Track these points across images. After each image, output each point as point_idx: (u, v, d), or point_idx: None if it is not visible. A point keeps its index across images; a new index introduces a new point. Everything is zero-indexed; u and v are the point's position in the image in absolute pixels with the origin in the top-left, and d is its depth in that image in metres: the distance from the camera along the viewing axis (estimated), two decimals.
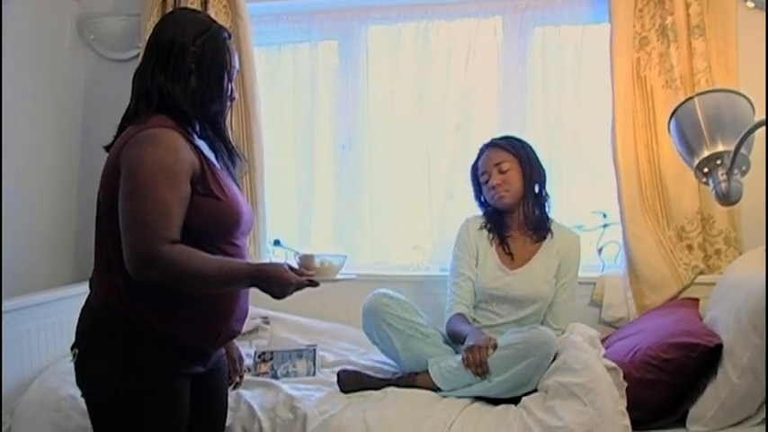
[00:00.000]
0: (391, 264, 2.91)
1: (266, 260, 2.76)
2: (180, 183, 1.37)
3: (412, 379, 2.16)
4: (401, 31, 2.91)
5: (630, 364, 1.97)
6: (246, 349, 2.34)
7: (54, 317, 2.36)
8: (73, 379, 1.48)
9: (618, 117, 2.50)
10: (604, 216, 2.70)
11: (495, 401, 2.04)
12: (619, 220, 2.54)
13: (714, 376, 1.87)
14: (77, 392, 1.51)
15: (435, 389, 2.11)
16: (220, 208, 1.45)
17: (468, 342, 2.09)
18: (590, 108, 2.74)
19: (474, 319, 2.33)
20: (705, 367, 1.89)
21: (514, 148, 2.34)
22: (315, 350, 2.39)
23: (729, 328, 1.88)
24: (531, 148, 2.37)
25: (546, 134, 2.79)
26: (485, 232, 2.39)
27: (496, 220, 2.39)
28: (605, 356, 2.05)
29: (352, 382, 2.15)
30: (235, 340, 1.70)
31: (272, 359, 2.35)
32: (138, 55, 2.87)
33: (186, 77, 1.47)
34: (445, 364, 2.13)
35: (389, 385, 2.15)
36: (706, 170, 1.82)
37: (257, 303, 2.47)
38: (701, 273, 2.48)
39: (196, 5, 2.74)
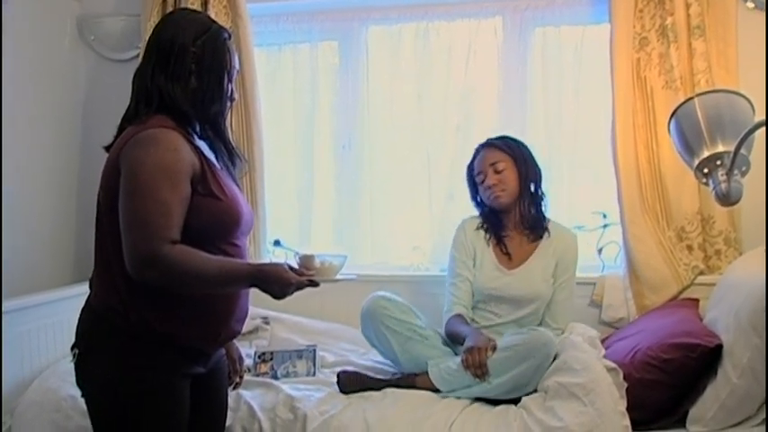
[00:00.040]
0: (391, 264, 2.92)
1: (266, 260, 2.76)
2: (180, 183, 1.37)
3: (411, 380, 2.16)
4: (401, 32, 2.92)
5: (630, 364, 1.97)
6: (246, 349, 2.34)
7: (54, 317, 2.36)
8: (73, 379, 1.48)
9: (618, 117, 2.50)
10: (604, 216, 2.70)
11: (495, 402, 2.04)
12: (619, 220, 2.55)
13: (714, 377, 1.87)
14: (77, 393, 1.51)
15: (435, 390, 2.11)
16: (220, 208, 1.45)
17: (468, 343, 2.09)
18: (590, 108, 2.74)
19: (473, 320, 2.33)
20: (705, 368, 1.89)
21: (510, 148, 2.35)
22: (315, 350, 2.39)
23: (729, 329, 1.88)
24: (526, 147, 2.37)
25: (546, 134, 2.79)
26: (482, 233, 2.39)
27: (493, 221, 2.39)
28: (605, 357, 2.05)
29: (351, 383, 2.15)
30: (235, 340, 1.70)
31: (272, 359, 2.35)
32: (138, 55, 2.87)
33: (186, 78, 1.47)
34: (445, 365, 2.13)
35: (389, 386, 2.15)
36: (706, 170, 1.82)
37: (257, 303, 2.48)
38: (701, 273, 2.48)
39: (196, 6, 2.75)
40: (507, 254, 2.35)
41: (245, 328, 1.95)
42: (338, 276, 1.62)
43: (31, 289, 2.52)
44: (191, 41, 1.47)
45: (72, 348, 1.47)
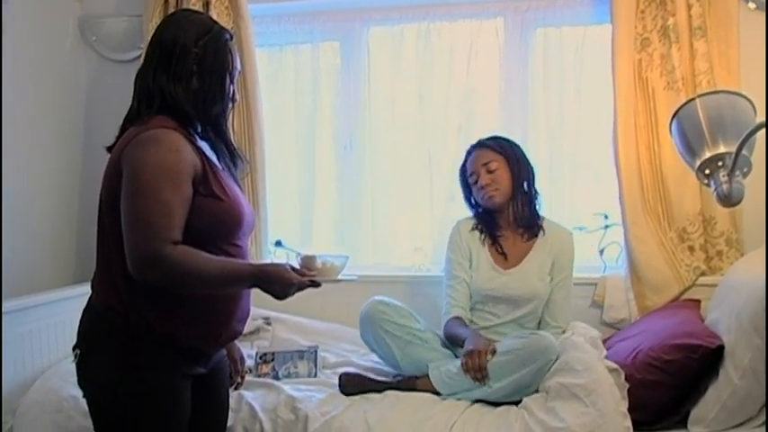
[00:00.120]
0: (392, 265, 2.92)
1: (268, 261, 2.76)
2: (182, 183, 1.38)
3: (412, 383, 2.16)
4: (403, 32, 2.92)
5: (632, 365, 1.97)
6: (248, 350, 2.33)
7: (55, 317, 2.37)
8: (74, 379, 1.48)
9: (619, 118, 2.50)
10: (606, 217, 2.70)
11: (496, 403, 2.04)
12: (620, 221, 2.54)
13: (715, 378, 1.87)
14: (79, 393, 1.51)
15: (436, 392, 2.11)
16: (222, 208, 1.45)
17: (468, 347, 2.09)
18: (591, 109, 2.74)
19: (471, 321, 2.32)
20: (706, 368, 1.89)
21: (501, 147, 2.35)
22: (316, 351, 2.39)
23: (731, 330, 1.88)
24: (517, 146, 2.38)
25: (547, 135, 2.79)
26: (476, 233, 2.40)
27: (487, 221, 2.39)
28: (607, 357, 2.04)
29: (353, 385, 2.15)
30: (236, 341, 1.70)
31: (273, 360, 2.35)
32: (139, 56, 2.87)
33: (188, 78, 1.47)
34: (445, 368, 2.12)
35: (390, 389, 2.15)
36: (707, 171, 1.82)
37: (259, 304, 2.47)
38: (703, 274, 2.48)
39: (198, 6, 2.75)
40: (503, 254, 2.35)
41: (246, 329, 1.94)
42: (340, 277, 1.62)
43: (32, 289, 2.52)
44: (192, 42, 1.47)
45: (73, 349, 1.48)
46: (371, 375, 2.22)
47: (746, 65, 2.45)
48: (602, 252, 2.70)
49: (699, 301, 2.38)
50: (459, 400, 2.06)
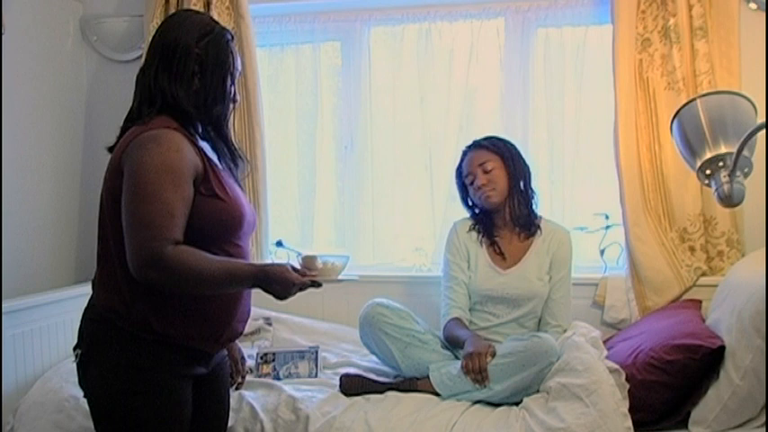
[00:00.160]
0: (393, 265, 2.91)
1: (269, 261, 2.76)
2: (183, 183, 1.38)
3: (413, 384, 2.16)
4: (404, 33, 2.91)
5: (633, 365, 1.97)
6: (249, 350, 2.34)
7: (56, 318, 2.37)
8: (75, 380, 1.49)
9: (620, 119, 2.50)
10: (607, 218, 2.69)
11: (496, 403, 2.04)
12: (621, 221, 2.54)
13: (716, 378, 1.87)
14: (80, 393, 1.51)
15: (436, 393, 2.11)
16: (223, 209, 1.45)
17: (468, 348, 2.09)
18: (592, 110, 2.74)
19: (471, 322, 2.32)
20: (707, 369, 1.89)
21: (497, 147, 2.35)
22: (317, 351, 2.39)
23: (731, 330, 1.88)
24: (513, 145, 2.38)
25: (548, 135, 2.79)
26: (474, 234, 2.40)
27: (485, 221, 2.39)
28: (607, 358, 2.05)
29: (354, 386, 2.15)
30: (237, 341, 1.71)
31: (274, 360, 2.35)
32: (141, 56, 2.88)
33: (189, 79, 1.47)
34: (446, 370, 2.12)
35: (391, 389, 2.15)
36: (708, 172, 1.82)
37: (260, 304, 2.48)
38: (704, 274, 2.48)
39: (199, 7, 2.75)
40: (501, 254, 2.35)
41: (247, 329, 1.95)
42: (340, 277, 1.62)
43: (33, 289, 2.52)
44: (194, 42, 1.47)
45: (74, 349, 1.48)
46: (372, 376, 2.21)
47: (747, 65, 2.44)
48: (602, 252, 2.70)
49: (699, 302, 2.38)
50: (459, 400, 2.06)
